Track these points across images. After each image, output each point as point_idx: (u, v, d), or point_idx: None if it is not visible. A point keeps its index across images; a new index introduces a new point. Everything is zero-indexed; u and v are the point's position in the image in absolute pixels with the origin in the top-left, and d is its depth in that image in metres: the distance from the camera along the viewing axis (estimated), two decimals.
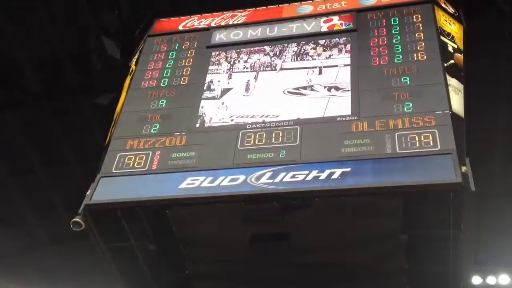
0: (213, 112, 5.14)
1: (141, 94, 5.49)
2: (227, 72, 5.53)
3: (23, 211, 8.00)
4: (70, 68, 7.40)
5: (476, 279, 7.54)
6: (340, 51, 5.39)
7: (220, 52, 5.74)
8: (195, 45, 5.87)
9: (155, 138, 4.97)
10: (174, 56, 5.81)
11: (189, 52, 5.82)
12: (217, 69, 5.59)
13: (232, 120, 5.02)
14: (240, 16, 6.17)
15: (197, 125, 5.05)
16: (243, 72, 5.50)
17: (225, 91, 5.35)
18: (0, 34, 7.09)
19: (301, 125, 4.75)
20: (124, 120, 5.27)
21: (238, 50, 5.70)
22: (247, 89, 5.34)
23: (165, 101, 5.34)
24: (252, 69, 5.50)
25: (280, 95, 5.16)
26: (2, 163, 7.71)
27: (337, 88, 5.04)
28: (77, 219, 4.42)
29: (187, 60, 5.73)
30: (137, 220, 4.64)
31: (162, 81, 5.58)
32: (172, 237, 4.74)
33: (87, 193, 4.59)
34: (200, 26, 6.15)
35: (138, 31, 6.61)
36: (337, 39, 5.51)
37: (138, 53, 6.06)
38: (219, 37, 5.93)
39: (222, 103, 5.23)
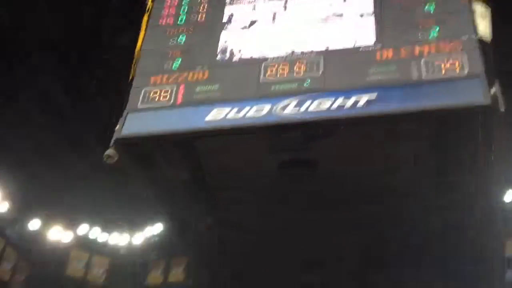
0: (240, 44, 5.04)
1: (160, 31, 5.40)
2: (252, 3, 5.39)
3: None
4: (88, 9, 7.30)
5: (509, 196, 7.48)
6: None
7: None
8: None
9: (177, 73, 4.93)
10: None
11: None
12: (241, 1, 5.47)
13: (260, 52, 4.91)
14: None
15: (219, 58, 4.99)
16: (270, 1, 5.35)
17: (252, 23, 5.23)
18: None
19: (325, 55, 4.67)
20: (145, 57, 5.23)
21: None
22: (274, 19, 5.20)
23: (184, 37, 5.27)
24: None
25: (309, 24, 5.02)
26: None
27: (368, 15, 4.90)
28: (109, 153, 4.48)
29: None
30: (166, 153, 4.70)
31: (180, 18, 5.48)
32: (200, 168, 4.80)
33: (116, 127, 4.64)
34: None
35: None
36: None
37: None
38: None
39: (249, 35, 5.12)
